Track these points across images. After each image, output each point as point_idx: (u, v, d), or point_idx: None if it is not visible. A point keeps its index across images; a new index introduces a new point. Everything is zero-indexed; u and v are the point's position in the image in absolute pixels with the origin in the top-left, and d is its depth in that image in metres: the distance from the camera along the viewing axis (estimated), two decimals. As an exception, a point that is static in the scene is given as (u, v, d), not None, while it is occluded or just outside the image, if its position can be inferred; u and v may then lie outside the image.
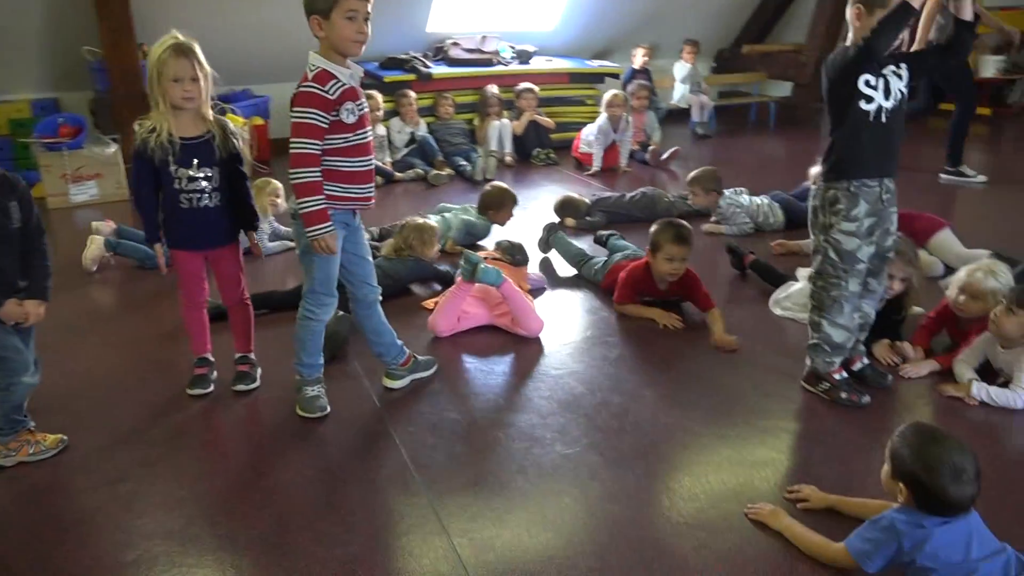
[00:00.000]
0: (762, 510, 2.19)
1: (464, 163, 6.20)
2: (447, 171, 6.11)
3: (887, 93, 2.58)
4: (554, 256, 4.34)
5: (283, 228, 4.62)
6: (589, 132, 6.40)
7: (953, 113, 5.81)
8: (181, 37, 2.55)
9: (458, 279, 3.42)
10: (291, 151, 2.42)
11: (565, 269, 4.18)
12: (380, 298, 2.82)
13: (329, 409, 2.75)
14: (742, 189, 4.89)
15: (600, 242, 4.38)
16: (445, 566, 2.04)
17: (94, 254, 4.24)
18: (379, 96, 6.21)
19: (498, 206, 4.53)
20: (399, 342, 2.91)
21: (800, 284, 3.51)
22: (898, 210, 2.74)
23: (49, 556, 2.09)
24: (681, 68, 7.84)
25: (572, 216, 4.86)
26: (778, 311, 3.56)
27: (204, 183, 2.65)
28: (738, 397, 2.86)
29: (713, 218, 4.81)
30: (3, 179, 2.34)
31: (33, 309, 2.44)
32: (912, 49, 2.66)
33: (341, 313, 3.06)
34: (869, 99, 2.57)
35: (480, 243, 4.52)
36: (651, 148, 6.62)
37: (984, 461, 1.90)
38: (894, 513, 1.89)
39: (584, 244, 4.33)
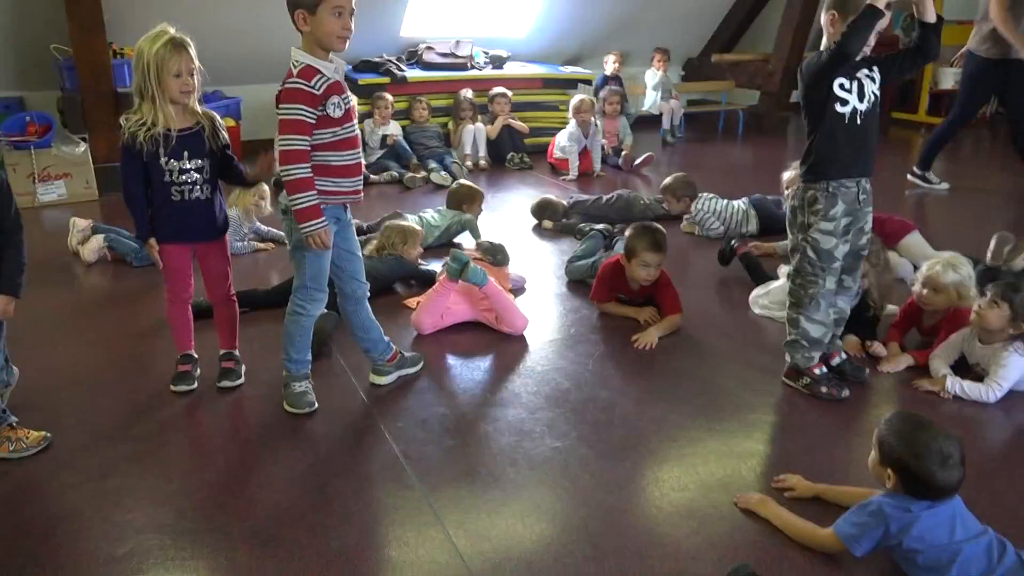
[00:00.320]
0: (751, 499, 2.23)
1: (443, 172, 6.11)
2: (422, 174, 6.11)
3: (861, 95, 2.66)
4: (545, 258, 4.37)
5: (265, 228, 4.59)
6: (562, 139, 6.46)
7: (943, 120, 5.98)
8: (173, 31, 2.53)
9: (441, 277, 3.43)
10: (280, 148, 2.41)
11: (546, 268, 4.21)
12: (368, 294, 2.83)
13: (317, 405, 2.74)
14: (713, 196, 4.91)
15: (581, 235, 4.44)
16: (442, 556, 2.05)
17: (93, 247, 4.25)
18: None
19: (471, 200, 4.65)
20: (386, 338, 2.92)
21: (780, 282, 3.58)
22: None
23: (38, 552, 2.05)
24: (653, 75, 7.95)
25: (550, 218, 4.91)
26: (756, 310, 3.63)
27: (196, 175, 2.64)
28: (722, 392, 2.92)
29: (687, 218, 4.89)
30: None
31: (1, 306, 2.37)
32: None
33: (326, 310, 3.05)
34: (844, 102, 2.64)
35: (455, 240, 4.54)
36: (623, 154, 6.70)
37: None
38: (882, 498, 1.95)
39: (565, 245, 4.37)
